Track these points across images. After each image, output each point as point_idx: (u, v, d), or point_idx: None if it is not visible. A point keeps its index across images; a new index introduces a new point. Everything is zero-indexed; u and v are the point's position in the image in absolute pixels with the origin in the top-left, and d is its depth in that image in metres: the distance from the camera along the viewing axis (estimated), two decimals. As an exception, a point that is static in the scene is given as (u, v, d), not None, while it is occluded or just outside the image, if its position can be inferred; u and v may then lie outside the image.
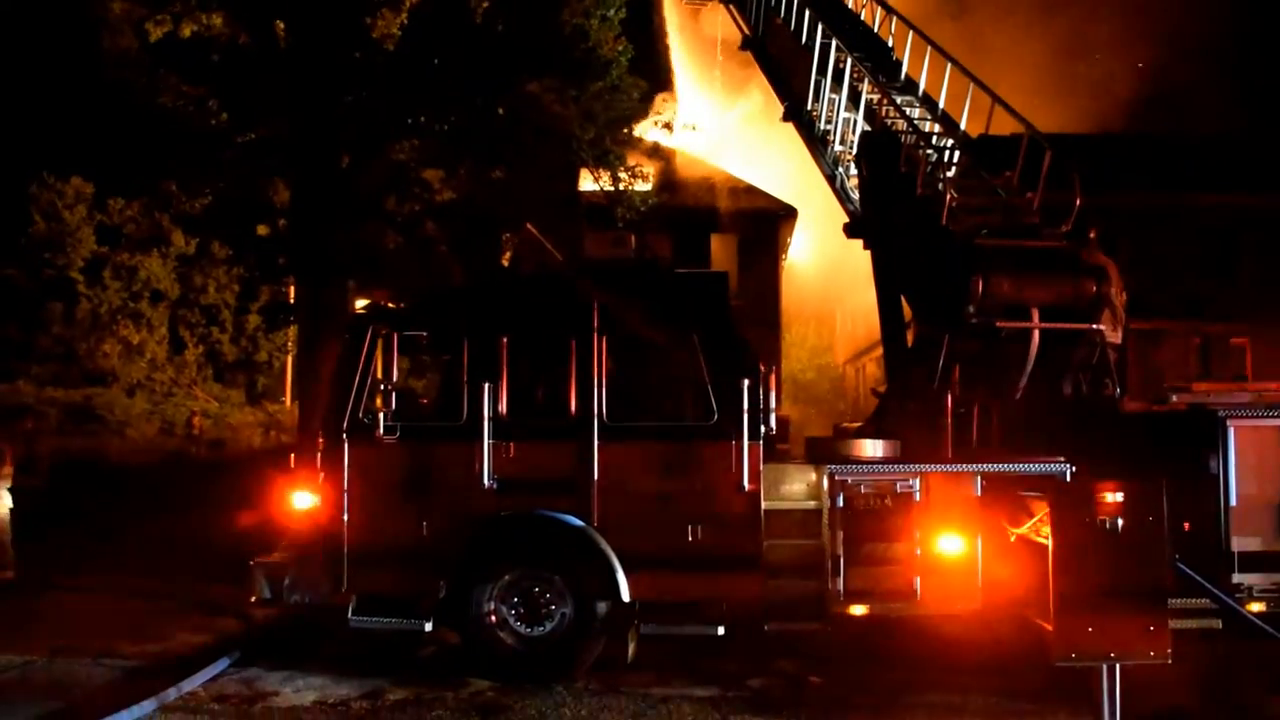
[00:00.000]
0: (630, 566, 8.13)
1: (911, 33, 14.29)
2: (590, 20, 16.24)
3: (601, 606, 8.15)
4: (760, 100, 28.41)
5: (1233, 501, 7.93)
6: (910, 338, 10.75)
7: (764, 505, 8.20)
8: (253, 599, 8.64)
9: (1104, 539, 6.70)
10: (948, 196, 9.95)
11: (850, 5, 16.29)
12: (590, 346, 8.36)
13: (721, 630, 8.03)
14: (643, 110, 18.63)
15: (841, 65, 13.58)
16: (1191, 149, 25.60)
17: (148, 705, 7.36)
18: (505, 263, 18.19)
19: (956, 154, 12.56)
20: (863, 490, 8.20)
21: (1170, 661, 6.69)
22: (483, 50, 15.50)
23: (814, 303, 37.59)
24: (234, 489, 14.81)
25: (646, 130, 20.93)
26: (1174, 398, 8.71)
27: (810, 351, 40.59)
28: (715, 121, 34.02)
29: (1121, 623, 6.66)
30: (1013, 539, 7.65)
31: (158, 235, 25.15)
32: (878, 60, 14.43)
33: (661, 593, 8.16)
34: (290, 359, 26.15)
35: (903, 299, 10.99)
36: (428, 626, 8.18)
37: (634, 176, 17.91)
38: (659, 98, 22.08)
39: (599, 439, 8.27)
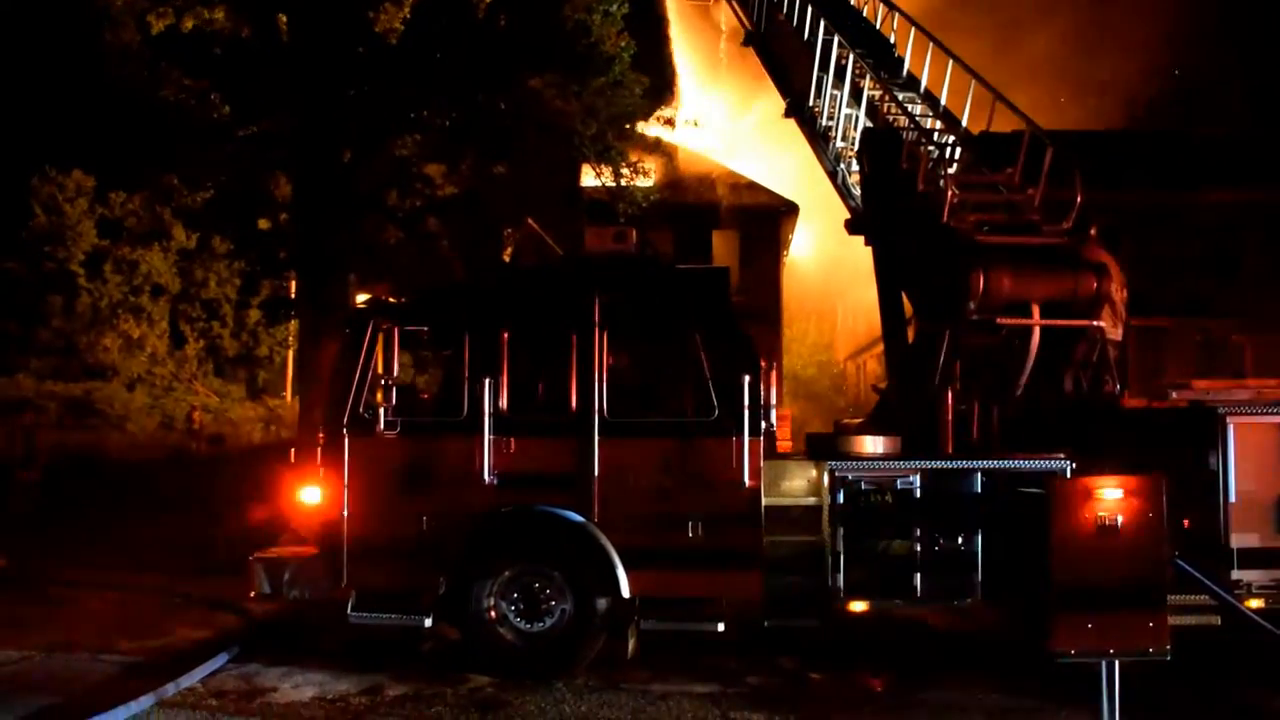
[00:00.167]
0: (630, 562, 8.12)
1: (913, 29, 14.30)
2: (593, 16, 16.21)
3: (601, 602, 8.15)
4: (763, 96, 28.39)
5: (1232, 498, 7.93)
6: (911, 334, 10.75)
7: (764, 501, 8.19)
8: (252, 594, 8.61)
9: (1104, 535, 6.71)
10: (949, 193, 9.94)
11: (852, 2, 16.29)
12: (591, 342, 8.34)
13: (722, 626, 8.03)
14: (645, 106, 18.58)
15: (843, 61, 13.59)
16: (1194, 146, 25.57)
17: (146, 700, 7.34)
18: (506, 258, 18.16)
19: (958, 150, 12.57)
20: (863, 487, 8.19)
21: (1169, 658, 6.70)
22: (485, 45, 15.49)
23: (815, 299, 37.62)
24: (234, 484, 14.84)
25: (648, 126, 20.89)
26: (1174, 394, 8.69)
27: (811, 348, 40.50)
28: (717, 117, 34.03)
29: (1121, 619, 6.67)
30: (1013, 536, 7.65)
31: (159, 229, 25.15)
32: (879, 57, 14.44)
33: (661, 589, 8.15)
34: (291, 354, 26.06)
35: (904, 295, 11.00)
36: (427, 622, 8.18)
37: (635, 172, 17.91)
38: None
39: (599, 434, 8.25)
